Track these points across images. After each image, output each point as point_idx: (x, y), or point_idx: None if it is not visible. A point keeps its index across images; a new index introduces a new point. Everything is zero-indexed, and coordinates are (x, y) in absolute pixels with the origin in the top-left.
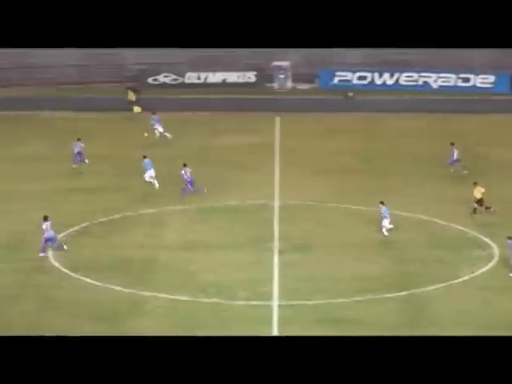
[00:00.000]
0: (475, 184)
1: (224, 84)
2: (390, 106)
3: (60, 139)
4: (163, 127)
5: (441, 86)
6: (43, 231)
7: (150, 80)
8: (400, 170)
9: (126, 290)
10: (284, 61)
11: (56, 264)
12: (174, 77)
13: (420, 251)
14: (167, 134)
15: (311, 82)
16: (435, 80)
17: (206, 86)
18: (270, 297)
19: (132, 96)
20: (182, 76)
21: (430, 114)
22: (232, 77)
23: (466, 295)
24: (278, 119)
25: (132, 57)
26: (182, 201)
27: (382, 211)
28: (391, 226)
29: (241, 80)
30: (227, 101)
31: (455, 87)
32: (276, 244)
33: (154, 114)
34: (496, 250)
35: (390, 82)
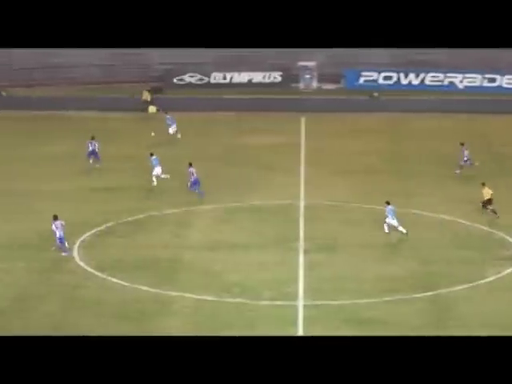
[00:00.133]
0: (483, 185)
1: (250, 84)
2: (415, 106)
3: (85, 139)
4: (177, 127)
5: (466, 87)
6: (53, 231)
7: (175, 80)
8: (424, 170)
9: (152, 290)
10: (310, 61)
11: (81, 264)
12: (199, 77)
13: (445, 251)
14: (178, 135)
15: (337, 82)
16: (461, 80)
17: (231, 86)
18: (294, 297)
19: (147, 96)
20: (208, 76)
21: (456, 115)
22: (258, 77)
23: (491, 296)
24: (303, 119)
25: (157, 57)
26: (209, 201)
27: (387, 211)
28: (401, 229)
29: (266, 80)
30: (253, 101)
31: (481, 87)
32: (301, 244)
33: (166, 113)
34: None
35: (415, 82)
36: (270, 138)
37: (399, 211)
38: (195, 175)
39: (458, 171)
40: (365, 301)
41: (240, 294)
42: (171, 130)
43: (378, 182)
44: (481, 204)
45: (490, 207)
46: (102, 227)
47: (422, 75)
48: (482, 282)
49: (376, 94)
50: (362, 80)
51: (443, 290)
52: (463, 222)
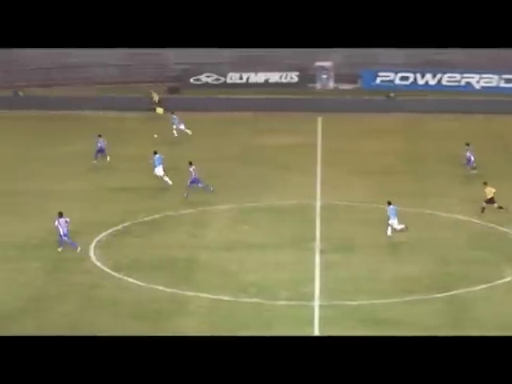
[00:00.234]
0: (485, 184)
1: (266, 84)
2: (432, 106)
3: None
4: (184, 126)
5: (483, 87)
6: (57, 228)
7: (192, 80)
8: (441, 170)
9: (168, 290)
10: (326, 61)
11: (98, 263)
12: (216, 77)
13: (461, 252)
14: (176, 134)
15: (353, 82)
16: (478, 81)
17: (248, 86)
18: (311, 297)
19: (155, 97)
20: (224, 76)
21: (472, 115)
22: (274, 77)
23: (509, 296)
24: (320, 119)
25: (174, 57)
26: (226, 201)
27: (389, 211)
28: (401, 227)
29: (283, 80)
30: (269, 101)
31: (498, 88)
32: (317, 244)
33: (172, 113)
34: None
35: (432, 82)
36: (287, 138)
37: (415, 211)
38: (194, 174)
39: (474, 171)
40: (381, 301)
41: (256, 294)
42: (182, 127)
43: (394, 182)
44: (484, 203)
45: (495, 205)
46: (119, 227)
47: (438, 76)
48: (500, 282)
49: (392, 95)
50: (378, 80)
51: (460, 291)
52: (478, 222)
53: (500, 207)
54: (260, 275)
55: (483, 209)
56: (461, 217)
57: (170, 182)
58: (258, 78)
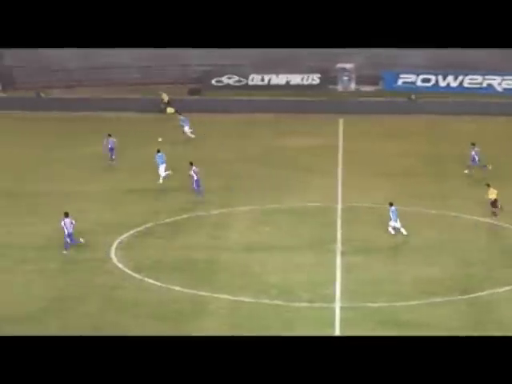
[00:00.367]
0: (488, 186)
1: (288, 86)
2: (453, 108)
3: (123, 140)
4: (190, 127)
5: (505, 89)
6: (62, 228)
7: (213, 81)
8: (462, 172)
9: (189, 291)
10: (348, 63)
11: (119, 265)
12: (237, 78)
13: (482, 253)
14: (191, 135)
15: (375, 84)
16: (499, 83)
17: (269, 87)
18: (332, 299)
19: (165, 97)
20: (246, 78)
21: (494, 117)
22: (296, 79)
23: None
24: (341, 121)
25: (196, 58)
26: (247, 202)
27: (390, 212)
28: (401, 229)
29: (305, 82)
30: (291, 103)
31: None
32: (338, 246)
33: (180, 114)
34: None
35: (453, 84)
36: (308, 140)
37: (436, 213)
38: (196, 176)
39: (466, 171)
40: (402, 303)
41: (277, 296)
42: (187, 130)
43: (415, 184)
44: (492, 208)
45: (496, 207)
46: (141, 228)
47: (460, 77)
48: None
49: (413, 97)
50: (400, 82)
51: (482, 293)
52: (499, 224)
53: (500, 208)
54: (281, 277)
55: (494, 213)
56: (481, 218)
57: (161, 181)
58: (280, 79)
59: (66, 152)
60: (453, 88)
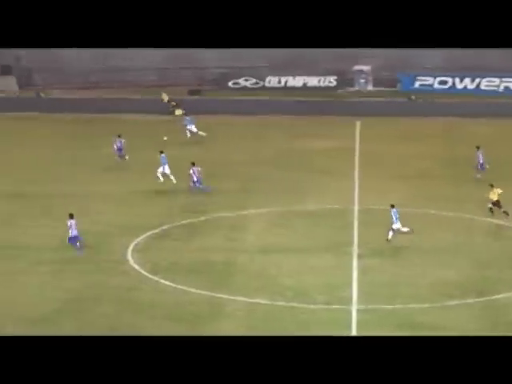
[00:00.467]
0: (492, 186)
1: (304, 88)
2: (470, 110)
3: (139, 142)
4: (197, 127)
5: None
6: (68, 229)
7: (230, 83)
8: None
9: (206, 293)
10: (365, 65)
11: (136, 266)
12: (254, 80)
13: (499, 256)
14: (203, 133)
15: (392, 86)
16: None
17: (286, 89)
18: (348, 301)
19: (165, 97)
20: (263, 80)
21: (511, 120)
22: (313, 81)
23: None
24: (358, 123)
25: (213, 60)
26: (263, 204)
27: (392, 214)
28: (406, 230)
29: (321, 84)
30: (307, 105)
31: None
32: (355, 248)
33: (185, 115)
34: None
35: (470, 86)
36: (325, 142)
37: (452, 215)
38: (196, 175)
39: (478, 175)
40: (418, 306)
41: (293, 298)
42: (194, 129)
43: (432, 186)
44: (490, 205)
45: (495, 207)
46: (157, 230)
47: (477, 80)
48: None
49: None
50: (417, 84)
51: (499, 296)
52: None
53: (506, 212)
54: (297, 279)
55: (491, 209)
56: (499, 222)
57: (162, 179)
58: (297, 81)
59: (81, 153)
60: (470, 90)
